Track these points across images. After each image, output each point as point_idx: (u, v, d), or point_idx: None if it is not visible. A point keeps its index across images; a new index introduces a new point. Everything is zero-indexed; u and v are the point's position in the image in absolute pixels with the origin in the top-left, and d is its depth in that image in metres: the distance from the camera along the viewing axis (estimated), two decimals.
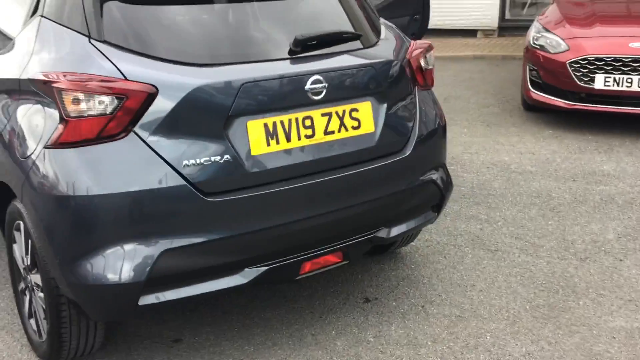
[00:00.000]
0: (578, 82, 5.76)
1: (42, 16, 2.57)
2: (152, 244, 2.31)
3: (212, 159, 2.38)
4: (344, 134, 2.68)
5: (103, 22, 2.41)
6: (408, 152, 2.89)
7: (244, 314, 3.14)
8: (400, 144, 2.88)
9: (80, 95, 2.26)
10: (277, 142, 2.51)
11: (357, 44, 2.82)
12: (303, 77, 2.53)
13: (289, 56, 2.58)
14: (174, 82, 2.34)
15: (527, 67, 6.31)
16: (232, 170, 2.41)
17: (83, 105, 2.26)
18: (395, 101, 2.86)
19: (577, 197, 4.50)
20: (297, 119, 2.55)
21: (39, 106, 2.41)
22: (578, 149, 5.51)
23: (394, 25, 3.16)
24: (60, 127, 2.29)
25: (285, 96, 2.52)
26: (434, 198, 3.08)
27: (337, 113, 2.66)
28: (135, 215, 2.30)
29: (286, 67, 2.55)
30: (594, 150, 5.48)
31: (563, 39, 5.96)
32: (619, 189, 4.62)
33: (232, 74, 2.42)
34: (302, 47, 2.61)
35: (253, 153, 2.45)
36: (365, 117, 2.74)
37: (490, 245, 3.83)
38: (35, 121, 2.42)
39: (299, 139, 2.56)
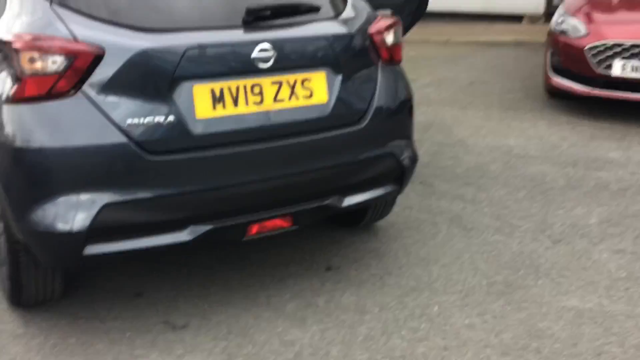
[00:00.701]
0: (596, 69, 5.65)
1: None
2: (95, 197, 2.48)
3: (156, 119, 2.52)
4: (294, 103, 2.78)
5: None
6: (364, 124, 2.96)
7: (206, 275, 3.28)
8: (356, 115, 2.95)
9: (35, 55, 2.43)
10: (224, 107, 2.63)
11: (315, 16, 2.90)
12: (250, 45, 2.64)
13: (240, 25, 2.69)
14: (120, 45, 2.49)
15: (549, 53, 6.21)
16: (176, 132, 2.55)
17: (37, 65, 2.44)
18: (352, 74, 2.94)
19: (571, 183, 4.45)
20: (245, 86, 2.66)
21: (3, 65, 2.59)
22: (590, 136, 5.41)
23: (362, 1, 3.22)
24: (17, 84, 2.47)
25: (232, 63, 2.64)
26: (392, 171, 3.14)
27: (287, 82, 2.76)
28: (80, 169, 2.47)
29: (234, 35, 2.67)
30: (606, 137, 5.37)
31: (583, 24, 5.84)
32: (617, 176, 4.54)
33: (177, 40, 2.56)
34: (255, 17, 2.71)
35: (198, 117, 2.58)
36: (318, 88, 2.83)
37: (467, 224, 3.85)
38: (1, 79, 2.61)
39: (247, 104, 2.67)
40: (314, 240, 3.64)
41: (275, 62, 2.69)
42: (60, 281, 2.88)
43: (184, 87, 2.56)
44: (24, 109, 2.48)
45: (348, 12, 3.05)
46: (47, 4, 2.57)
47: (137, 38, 2.51)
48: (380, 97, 3.04)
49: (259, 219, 2.79)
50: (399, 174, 3.17)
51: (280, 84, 2.74)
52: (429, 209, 4.06)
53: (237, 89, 2.65)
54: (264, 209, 2.80)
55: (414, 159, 3.24)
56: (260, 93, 2.70)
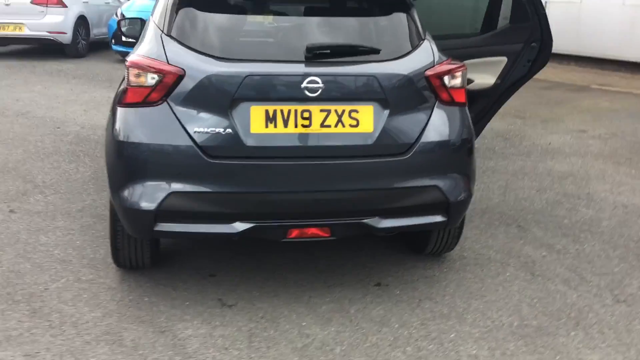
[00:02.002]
0: None
1: (151, 16, 3.58)
2: (165, 185, 3.14)
3: (217, 130, 3.12)
4: (340, 129, 3.20)
5: (172, 23, 3.31)
6: (408, 155, 3.28)
7: (272, 270, 3.80)
8: (401, 147, 3.28)
9: (136, 71, 3.18)
10: (275, 126, 3.15)
11: (374, 56, 3.30)
12: (301, 77, 3.13)
13: (300, 60, 3.20)
14: (196, 68, 3.14)
15: None
16: (232, 142, 3.12)
17: (138, 79, 3.18)
18: (400, 109, 3.28)
19: None
20: (295, 110, 3.16)
21: (123, 79, 3.39)
22: None
23: (432, 46, 3.51)
24: (125, 92, 3.24)
25: (284, 90, 3.15)
26: (437, 203, 3.38)
27: (335, 111, 3.19)
28: (157, 162, 3.15)
29: (289, 67, 3.17)
30: None
31: None
32: None
33: (240, 67, 3.14)
34: (314, 54, 3.20)
35: (252, 131, 3.14)
36: (364, 119, 3.22)
37: (536, 271, 3.90)
38: (121, 88, 3.41)
39: (296, 126, 3.16)
40: (380, 259, 3.98)
41: (323, 93, 3.14)
42: (147, 251, 3.59)
43: (242, 106, 3.13)
44: (126, 111, 3.23)
45: (410, 55, 3.39)
46: (160, 33, 3.33)
47: (210, 63, 3.15)
48: (429, 133, 3.32)
49: (298, 225, 3.25)
50: (445, 207, 3.41)
51: (328, 112, 3.19)
52: (508, 251, 4.16)
53: (289, 112, 3.15)
54: (303, 217, 3.25)
55: (464, 196, 3.44)
56: (309, 118, 3.17)
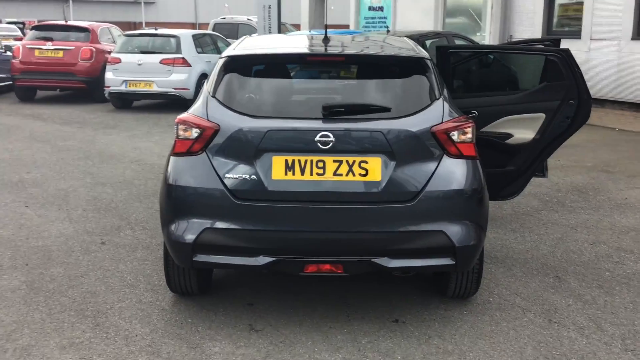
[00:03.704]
0: None
1: (207, 82, 4.22)
2: (201, 222, 3.71)
3: (244, 176, 3.66)
4: (350, 178, 3.64)
5: (217, 86, 3.94)
6: (414, 202, 3.64)
7: (304, 301, 4.23)
8: (407, 195, 3.65)
9: (183, 126, 3.82)
10: (293, 174, 3.65)
11: (384, 114, 3.73)
12: (315, 132, 3.61)
13: (317, 117, 3.69)
14: (228, 124, 3.72)
15: None
16: (256, 186, 3.65)
17: (184, 132, 3.81)
18: (407, 161, 3.66)
19: None
20: (311, 160, 3.64)
21: None
22: None
23: (445, 103, 3.87)
24: (174, 144, 3.88)
25: (300, 143, 3.64)
26: (443, 247, 3.69)
27: (347, 161, 3.64)
28: (195, 202, 3.74)
29: (305, 123, 3.67)
30: None
31: None
32: None
33: (263, 123, 3.68)
34: (330, 112, 3.69)
35: (273, 178, 3.65)
36: (373, 169, 3.64)
37: (555, 318, 4.05)
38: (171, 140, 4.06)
39: (311, 174, 3.64)
40: (406, 299, 4.29)
41: (335, 145, 3.61)
42: (195, 279, 4.16)
43: (265, 156, 3.66)
44: (175, 159, 3.86)
45: (419, 113, 3.77)
46: (207, 95, 3.96)
47: (239, 120, 3.72)
48: (435, 183, 3.67)
49: (314, 261, 3.69)
50: (452, 251, 3.71)
51: (340, 162, 3.64)
52: (533, 299, 4.32)
53: (305, 161, 3.64)
54: (318, 254, 3.69)
55: (472, 242, 3.72)
56: (323, 167, 3.63)
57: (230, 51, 4.23)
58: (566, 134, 4.91)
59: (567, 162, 8.52)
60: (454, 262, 3.74)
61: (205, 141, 3.75)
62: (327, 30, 4.52)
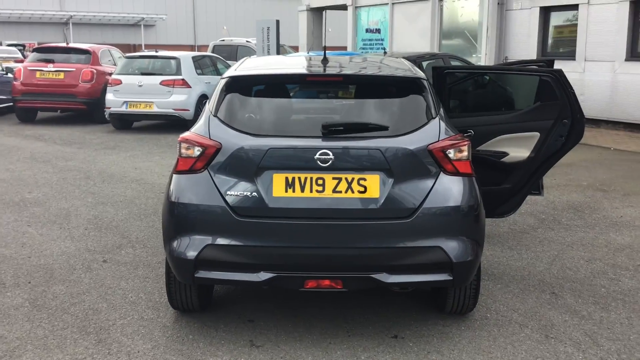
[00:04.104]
0: None
1: (208, 102, 4.31)
2: (203, 238, 3.78)
3: (245, 193, 3.74)
4: (350, 195, 3.72)
5: (218, 105, 4.03)
6: (411, 219, 3.72)
7: (305, 318, 4.28)
8: (405, 211, 3.73)
9: (185, 145, 3.90)
10: (293, 191, 3.72)
11: (382, 132, 3.82)
12: (314, 150, 3.70)
13: (316, 135, 3.78)
14: (230, 142, 3.80)
15: None
16: (257, 203, 3.73)
17: (187, 151, 3.90)
18: (404, 178, 3.74)
19: None
20: (311, 178, 3.72)
21: None
22: None
23: (441, 122, 3.96)
24: (177, 162, 3.96)
25: (300, 161, 3.72)
26: (440, 263, 3.76)
27: (346, 179, 3.72)
28: (197, 219, 3.81)
29: (305, 142, 3.75)
30: None
31: None
32: None
33: (264, 142, 3.76)
34: (329, 131, 3.78)
35: (274, 195, 3.73)
36: (371, 186, 3.72)
37: (551, 333, 4.10)
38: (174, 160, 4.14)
39: (311, 191, 3.72)
40: (406, 315, 4.35)
41: (334, 163, 3.69)
42: (196, 296, 4.21)
43: (266, 173, 3.74)
44: (178, 177, 3.93)
45: (416, 132, 3.86)
46: (210, 114, 4.05)
47: (240, 139, 3.80)
48: (432, 200, 3.75)
49: (314, 277, 3.76)
50: (449, 267, 3.77)
51: (339, 180, 3.72)
52: (531, 315, 4.38)
53: (305, 179, 3.72)
54: (318, 270, 3.75)
55: (469, 257, 3.79)
56: (323, 184, 3.71)
57: (231, 72, 4.33)
58: (560, 152, 5.01)
59: (563, 180, 8.61)
60: (451, 278, 3.80)
61: (207, 159, 3.84)
62: (326, 51, 4.63)
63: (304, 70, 4.47)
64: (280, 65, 4.83)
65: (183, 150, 3.91)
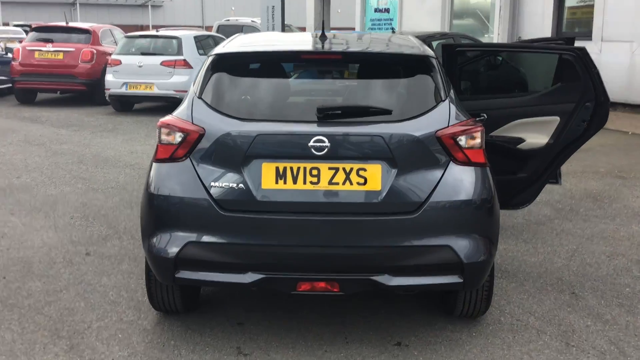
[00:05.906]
0: None
1: (193, 83, 3.88)
2: (183, 235, 3.37)
3: (231, 184, 3.33)
4: (348, 187, 3.30)
5: (203, 87, 3.60)
6: (417, 214, 3.29)
7: (299, 323, 3.88)
8: (410, 206, 3.30)
9: (166, 130, 3.49)
10: (285, 182, 3.31)
11: (384, 117, 3.39)
12: (308, 136, 3.27)
13: (311, 120, 3.35)
14: (214, 127, 3.38)
15: None
16: (244, 196, 3.31)
17: (167, 137, 3.48)
18: (410, 169, 3.32)
19: None
20: (305, 168, 3.30)
21: None
22: None
23: (451, 106, 3.52)
24: (156, 149, 3.55)
25: (293, 149, 3.30)
26: (449, 263, 3.34)
27: (344, 169, 3.30)
28: (178, 213, 3.40)
29: (299, 127, 3.33)
30: None
31: None
32: None
33: (253, 127, 3.34)
34: (325, 115, 3.35)
35: (263, 187, 3.31)
36: (372, 177, 3.30)
37: (573, 341, 3.69)
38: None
39: (304, 183, 3.30)
40: (410, 318, 3.94)
41: (330, 151, 3.26)
42: (178, 297, 3.82)
43: (254, 163, 3.32)
44: (158, 166, 3.53)
45: (423, 116, 3.42)
46: (194, 96, 3.62)
47: (226, 123, 3.38)
48: (441, 193, 3.32)
49: (307, 278, 3.35)
50: (460, 268, 3.35)
51: (336, 170, 3.29)
52: (550, 319, 3.96)
53: (298, 169, 3.30)
54: (311, 271, 3.34)
55: (482, 257, 3.37)
56: (318, 175, 3.29)
57: (219, 49, 3.90)
58: (582, 138, 4.56)
59: (579, 167, 8.14)
60: (461, 280, 3.39)
61: (190, 146, 3.42)
62: (324, 28, 4.19)
63: (298, 47, 4.02)
64: (273, 42, 4.38)
65: (163, 136, 3.50)
